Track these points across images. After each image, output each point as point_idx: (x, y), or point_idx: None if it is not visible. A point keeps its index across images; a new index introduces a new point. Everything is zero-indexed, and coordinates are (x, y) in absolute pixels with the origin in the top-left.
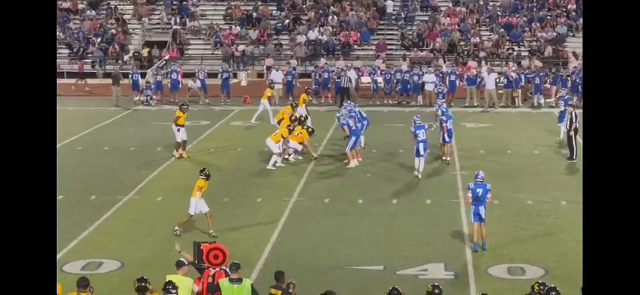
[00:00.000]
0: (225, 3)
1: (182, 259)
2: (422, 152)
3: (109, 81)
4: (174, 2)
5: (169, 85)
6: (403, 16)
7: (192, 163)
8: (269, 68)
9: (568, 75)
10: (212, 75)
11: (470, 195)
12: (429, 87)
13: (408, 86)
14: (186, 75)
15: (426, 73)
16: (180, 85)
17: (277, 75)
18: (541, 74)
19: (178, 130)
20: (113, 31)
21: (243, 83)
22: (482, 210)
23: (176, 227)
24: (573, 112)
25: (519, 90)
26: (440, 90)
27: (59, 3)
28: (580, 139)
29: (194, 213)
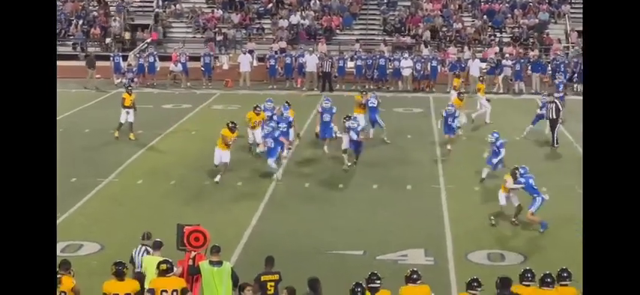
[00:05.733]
0: None
1: (159, 240)
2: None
3: None
4: None
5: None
6: (386, 1)
7: (174, 147)
8: (252, 52)
9: (548, 62)
10: (194, 58)
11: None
12: (405, 72)
13: (388, 71)
14: (168, 59)
15: (403, 58)
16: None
17: (245, 59)
18: (522, 61)
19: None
20: (95, 13)
21: (225, 67)
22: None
23: (492, 217)
24: (557, 101)
25: (500, 77)
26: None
27: None
28: (562, 127)
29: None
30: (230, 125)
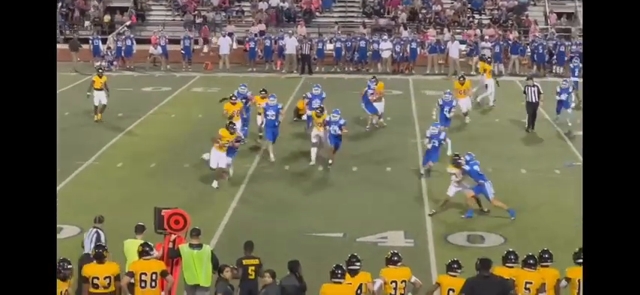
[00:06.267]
0: None
1: (141, 224)
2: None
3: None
4: None
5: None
6: None
7: (154, 130)
8: (231, 34)
9: (527, 44)
10: (173, 41)
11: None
12: (385, 54)
13: (368, 53)
14: (147, 42)
15: (382, 40)
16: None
17: (224, 42)
18: (501, 43)
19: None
20: None
21: (205, 50)
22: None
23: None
24: (538, 86)
25: (475, 58)
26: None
27: None
28: (542, 110)
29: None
30: (228, 125)
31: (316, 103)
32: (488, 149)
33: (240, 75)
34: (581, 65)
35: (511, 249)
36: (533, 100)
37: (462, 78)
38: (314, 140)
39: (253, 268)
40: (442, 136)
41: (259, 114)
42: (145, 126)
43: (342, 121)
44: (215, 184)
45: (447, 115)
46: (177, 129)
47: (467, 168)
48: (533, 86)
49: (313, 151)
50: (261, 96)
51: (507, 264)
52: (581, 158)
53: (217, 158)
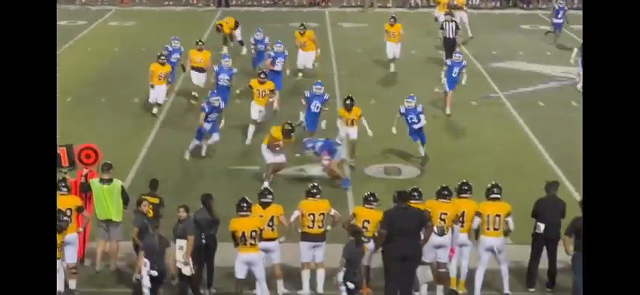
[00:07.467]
0: None
1: None
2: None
3: None
4: None
5: None
6: None
7: (70, 64)
8: None
9: None
10: None
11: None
12: None
13: None
14: None
15: None
16: None
17: None
18: None
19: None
20: None
21: None
22: None
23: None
24: (456, 21)
25: None
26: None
27: None
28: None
29: None
30: (284, 128)
31: (280, 64)
32: (404, 85)
33: (157, 8)
34: (566, 8)
35: (415, 187)
36: (451, 36)
37: (392, 19)
38: (255, 116)
39: (152, 206)
40: (420, 109)
41: (196, 70)
42: (60, 61)
43: (326, 96)
44: (266, 183)
45: (455, 76)
46: (94, 63)
47: (309, 145)
48: (452, 21)
49: (250, 130)
50: (198, 49)
51: (411, 201)
52: (498, 91)
53: (272, 157)
